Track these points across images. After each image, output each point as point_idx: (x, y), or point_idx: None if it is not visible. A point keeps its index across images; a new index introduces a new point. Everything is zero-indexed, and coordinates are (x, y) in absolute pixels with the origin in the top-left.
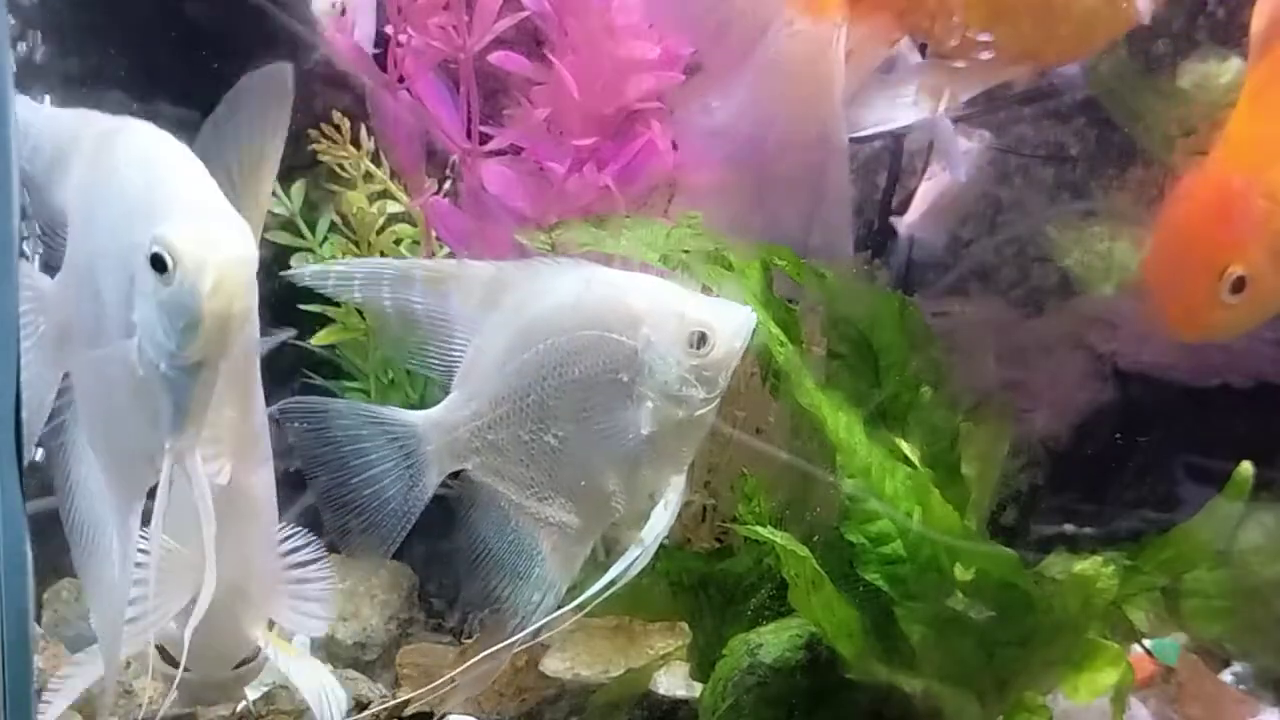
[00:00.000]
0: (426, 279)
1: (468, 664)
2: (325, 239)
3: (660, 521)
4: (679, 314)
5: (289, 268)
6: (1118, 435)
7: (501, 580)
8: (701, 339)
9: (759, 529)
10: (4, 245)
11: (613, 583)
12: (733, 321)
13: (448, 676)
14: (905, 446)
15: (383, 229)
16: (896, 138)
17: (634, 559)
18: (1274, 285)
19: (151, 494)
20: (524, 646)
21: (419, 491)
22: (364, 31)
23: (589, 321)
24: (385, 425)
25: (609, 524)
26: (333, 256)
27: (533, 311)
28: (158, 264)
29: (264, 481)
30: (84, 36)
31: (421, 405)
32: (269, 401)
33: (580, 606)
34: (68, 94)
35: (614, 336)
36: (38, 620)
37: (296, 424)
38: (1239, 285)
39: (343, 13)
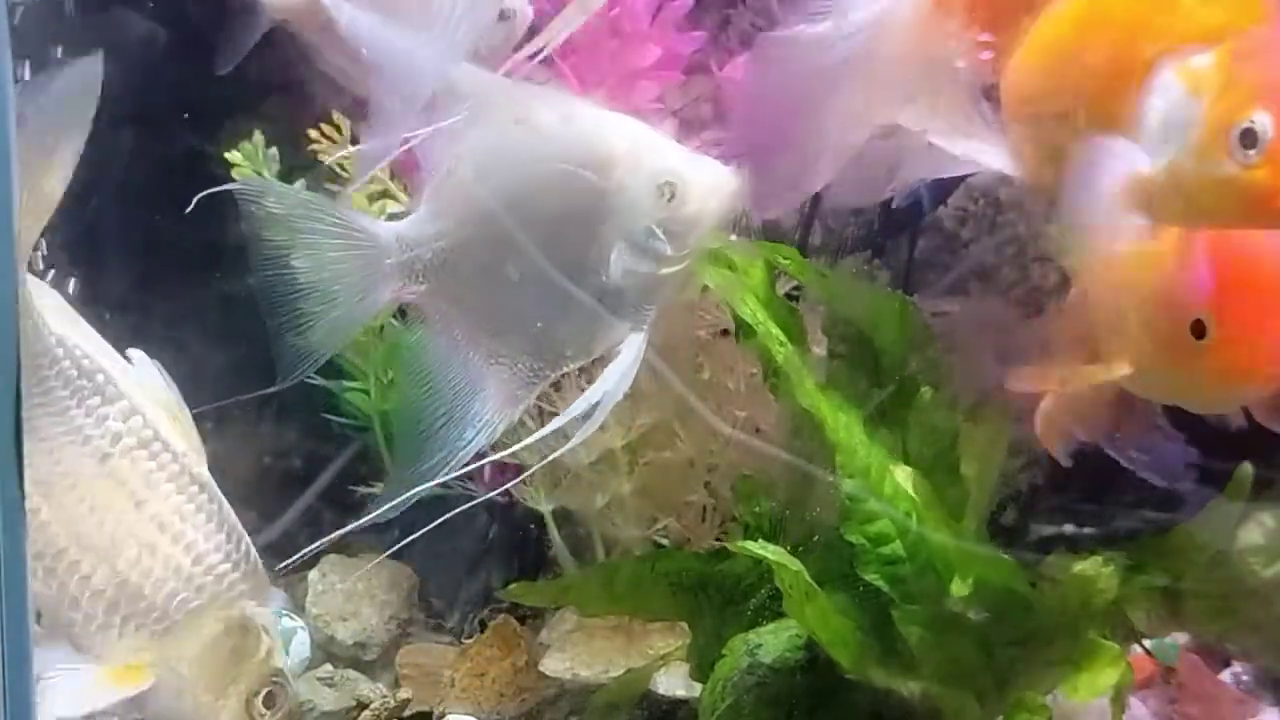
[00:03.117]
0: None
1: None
2: None
3: (612, 378)
4: (654, 161)
5: None
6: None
7: (438, 413)
8: (673, 191)
9: (749, 544)
10: (3, 245)
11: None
12: (709, 179)
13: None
14: (900, 475)
15: None
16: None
17: (581, 411)
18: None
19: None
20: (444, 481)
21: (368, 304)
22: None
23: (565, 155)
24: (349, 227)
25: (560, 370)
26: None
27: (512, 137)
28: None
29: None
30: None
31: None
32: (268, 402)
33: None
34: None
35: (587, 174)
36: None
37: (254, 205)
38: None
39: None
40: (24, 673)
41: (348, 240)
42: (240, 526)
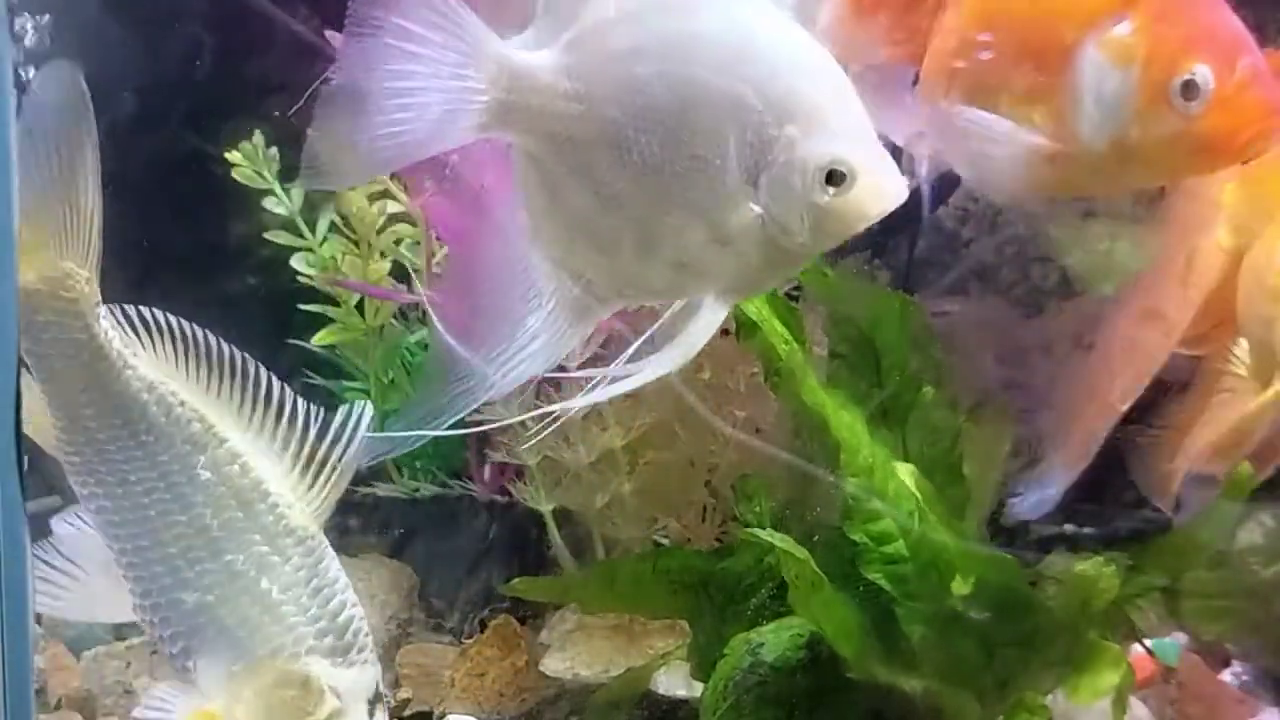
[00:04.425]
0: None
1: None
2: (325, 239)
3: (681, 348)
4: (832, 133)
5: (290, 268)
6: (1118, 435)
7: (482, 318)
8: (839, 180)
9: (759, 531)
10: (4, 245)
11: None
12: (881, 182)
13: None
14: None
15: (383, 229)
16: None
17: (638, 376)
18: None
19: None
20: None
21: (447, 129)
22: None
23: (745, 78)
24: (458, 33)
25: (624, 305)
26: (332, 257)
27: (697, 33)
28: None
29: None
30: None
31: None
32: None
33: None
34: None
35: (759, 112)
36: (38, 620)
37: None
38: None
39: None
40: (24, 672)
41: (447, 49)
42: (344, 588)
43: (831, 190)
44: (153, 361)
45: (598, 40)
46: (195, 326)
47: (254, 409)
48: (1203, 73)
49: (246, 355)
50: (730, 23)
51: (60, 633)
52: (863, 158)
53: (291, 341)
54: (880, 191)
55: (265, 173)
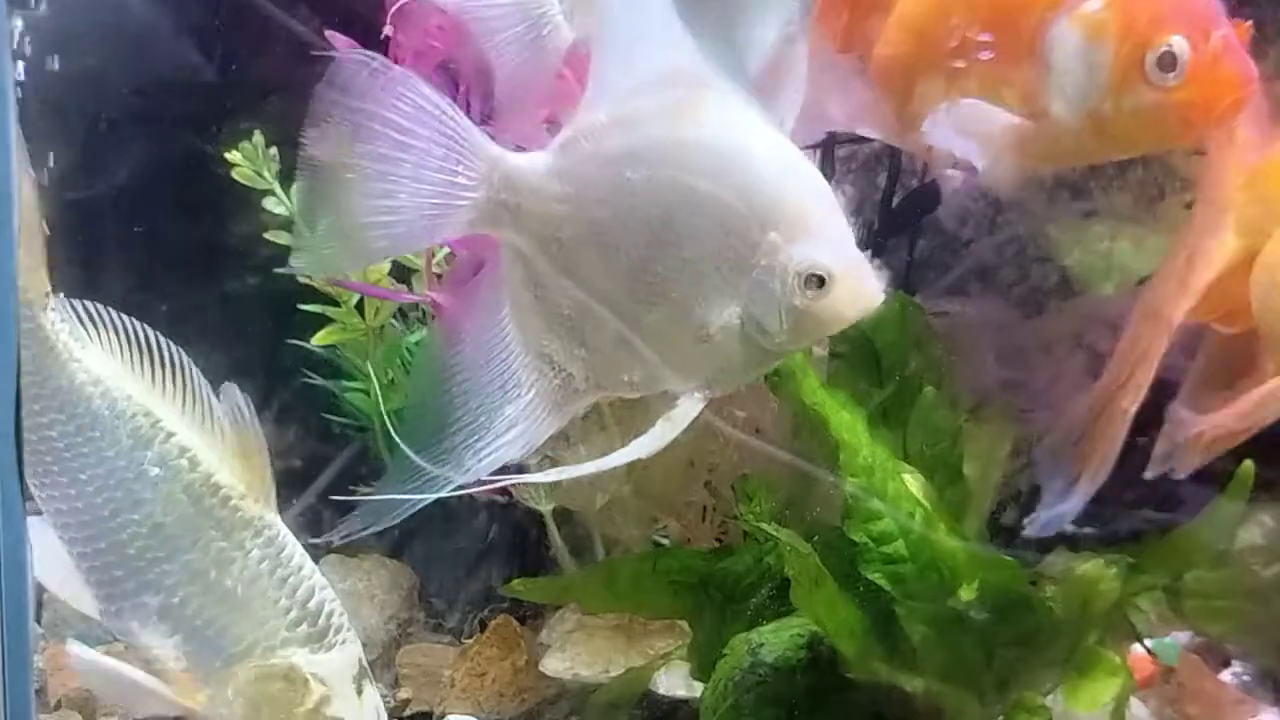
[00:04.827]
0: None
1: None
2: None
3: (654, 438)
4: (814, 240)
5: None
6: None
7: (461, 403)
8: (820, 285)
9: (764, 526)
10: (3, 245)
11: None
12: (859, 288)
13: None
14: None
15: None
16: None
17: (612, 462)
18: None
19: None
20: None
21: (438, 224)
22: None
23: (732, 185)
24: (452, 131)
25: (605, 395)
26: None
27: (682, 137)
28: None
29: None
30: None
31: None
32: (267, 402)
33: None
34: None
35: (744, 218)
36: (38, 620)
37: (359, 74)
38: None
39: None
40: (24, 673)
41: (441, 144)
42: (311, 573)
43: (810, 294)
44: (100, 356)
45: (591, 144)
46: (137, 322)
47: (195, 404)
48: (1179, 44)
49: (183, 351)
50: (720, 131)
51: (60, 633)
52: (842, 263)
53: (291, 341)
54: (857, 295)
55: (265, 173)
